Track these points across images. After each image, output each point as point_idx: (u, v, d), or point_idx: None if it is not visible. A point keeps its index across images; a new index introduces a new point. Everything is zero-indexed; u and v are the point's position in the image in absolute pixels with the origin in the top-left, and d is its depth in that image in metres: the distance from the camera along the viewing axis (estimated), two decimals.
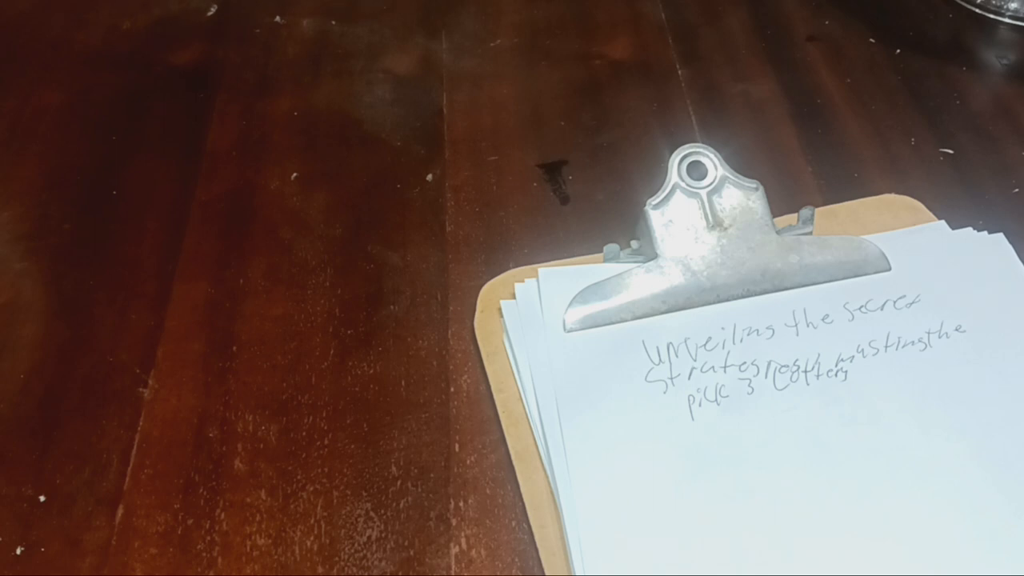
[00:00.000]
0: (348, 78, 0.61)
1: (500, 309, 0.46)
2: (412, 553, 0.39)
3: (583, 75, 0.61)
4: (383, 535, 0.40)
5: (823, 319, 0.45)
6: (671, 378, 0.43)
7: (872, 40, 0.62)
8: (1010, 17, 0.63)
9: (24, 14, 0.68)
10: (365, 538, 0.40)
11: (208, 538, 0.40)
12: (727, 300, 0.45)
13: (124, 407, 0.45)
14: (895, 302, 0.45)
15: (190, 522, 0.41)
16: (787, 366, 0.43)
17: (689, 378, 0.43)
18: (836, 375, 0.42)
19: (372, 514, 0.41)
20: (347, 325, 0.48)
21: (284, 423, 0.44)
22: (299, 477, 0.42)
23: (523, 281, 0.46)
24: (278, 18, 0.66)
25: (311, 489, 0.41)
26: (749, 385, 0.42)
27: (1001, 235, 0.48)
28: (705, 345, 0.44)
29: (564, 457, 0.40)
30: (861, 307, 0.45)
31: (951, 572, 0.36)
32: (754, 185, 0.46)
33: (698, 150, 0.46)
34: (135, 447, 0.43)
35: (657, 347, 0.44)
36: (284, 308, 0.48)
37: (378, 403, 0.44)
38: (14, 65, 0.64)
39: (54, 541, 0.40)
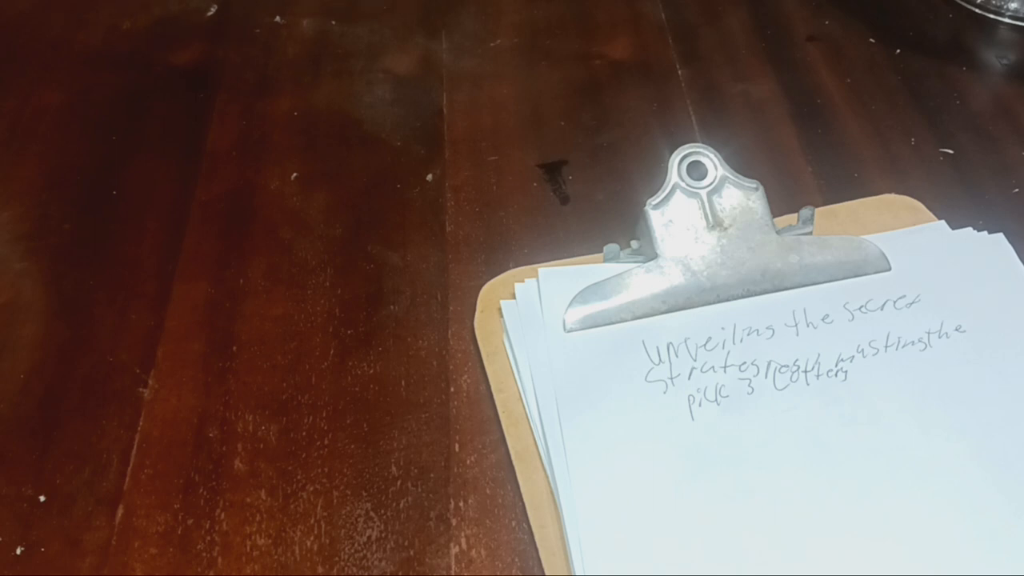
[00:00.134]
0: (348, 78, 0.61)
1: (500, 309, 0.46)
2: (412, 553, 0.39)
3: (583, 75, 0.61)
4: (383, 535, 0.40)
5: (823, 319, 0.45)
6: (671, 378, 0.43)
7: (872, 40, 0.62)
8: (1010, 17, 0.63)
9: (24, 14, 0.68)
10: (365, 538, 0.40)
11: (208, 538, 0.40)
12: (727, 300, 0.45)
13: (124, 407, 0.45)
14: (895, 302, 0.45)
15: (190, 522, 0.41)
16: (787, 366, 0.43)
17: (689, 378, 0.43)
18: (836, 375, 0.42)
19: (372, 514, 0.41)
20: (347, 325, 0.48)
21: (284, 423, 0.44)
22: (299, 477, 0.42)
23: (523, 281, 0.46)
24: (278, 18, 0.66)
25: (311, 489, 0.41)
26: (749, 385, 0.42)
27: (1001, 235, 0.48)
28: (705, 345, 0.44)
29: (564, 457, 0.40)
30: (861, 307, 0.45)
31: (951, 572, 0.36)
32: (754, 185, 0.46)
33: (698, 150, 0.46)
34: (135, 447, 0.43)
35: (657, 347, 0.44)
36: (284, 308, 0.48)
37: (378, 403, 0.44)
38: (14, 65, 0.64)
39: (54, 541, 0.40)
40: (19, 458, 0.43)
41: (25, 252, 0.52)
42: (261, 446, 0.43)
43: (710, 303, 0.45)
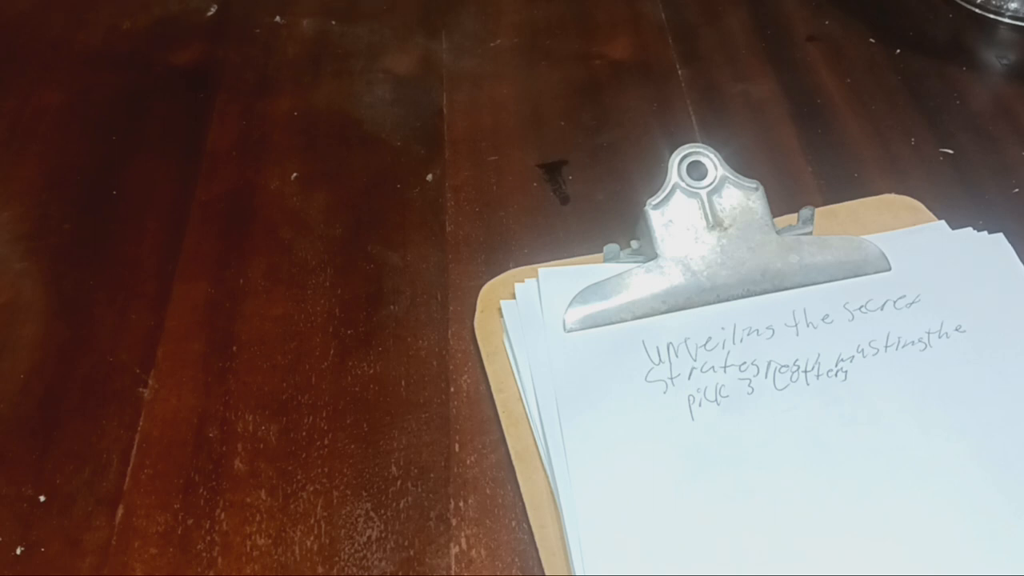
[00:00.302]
0: (348, 78, 0.61)
1: (500, 309, 0.46)
2: (412, 553, 0.39)
3: (583, 75, 0.61)
4: (383, 535, 0.40)
5: (823, 319, 0.45)
6: (671, 378, 0.43)
7: (872, 40, 0.62)
8: (1010, 17, 0.63)
9: (24, 14, 0.68)
10: (365, 538, 0.40)
11: (208, 538, 0.40)
12: (727, 300, 0.45)
13: (124, 407, 0.45)
14: (895, 302, 0.45)
15: (190, 522, 0.41)
16: (787, 366, 0.43)
17: (689, 378, 0.43)
18: (836, 375, 0.42)
19: (372, 514, 0.41)
20: (347, 325, 0.48)
21: (284, 423, 0.44)
22: (299, 477, 0.42)
23: (523, 281, 0.46)
24: (278, 18, 0.66)
25: (311, 489, 0.41)
26: (749, 385, 0.42)
27: (1001, 235, 0.48)
28: (705, 345, 0.44)
29: (564, 457, 0.40)
30: (861, 307, 0.45)
31: (951, 572, 0.36)
32: (754, 185, 0.46)
33: (698, 150, 0.46)
34: (135, 447, 0.43)
35: (657, 347, 0.44)
36: (284, 308, 0.48)
37: (378, 403, 0.44)
38: (14, 65, 0.64)
39: (54, 541, 0.40)
40: (19, 458, 0.43)
41: (25, 252, 0.52)
42: (261, 446, 0.43)
43: (710, 303, 0.45)
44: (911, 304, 0.45)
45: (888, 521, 0.38)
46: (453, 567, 0.39)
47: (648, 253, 0.46)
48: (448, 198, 0.53)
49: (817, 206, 0.48)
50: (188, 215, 0.53)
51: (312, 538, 0.40)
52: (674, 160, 0.46)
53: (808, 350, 0.43)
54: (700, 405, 0.42)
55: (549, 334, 0.44)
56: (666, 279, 0.45)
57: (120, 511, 0.41)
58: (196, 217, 0.53)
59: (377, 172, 0.55)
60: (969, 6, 0.64)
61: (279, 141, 0.58)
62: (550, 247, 0.50)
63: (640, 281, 0.45)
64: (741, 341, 0.44)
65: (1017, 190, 0.52)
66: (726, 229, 0.46)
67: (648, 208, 0.46)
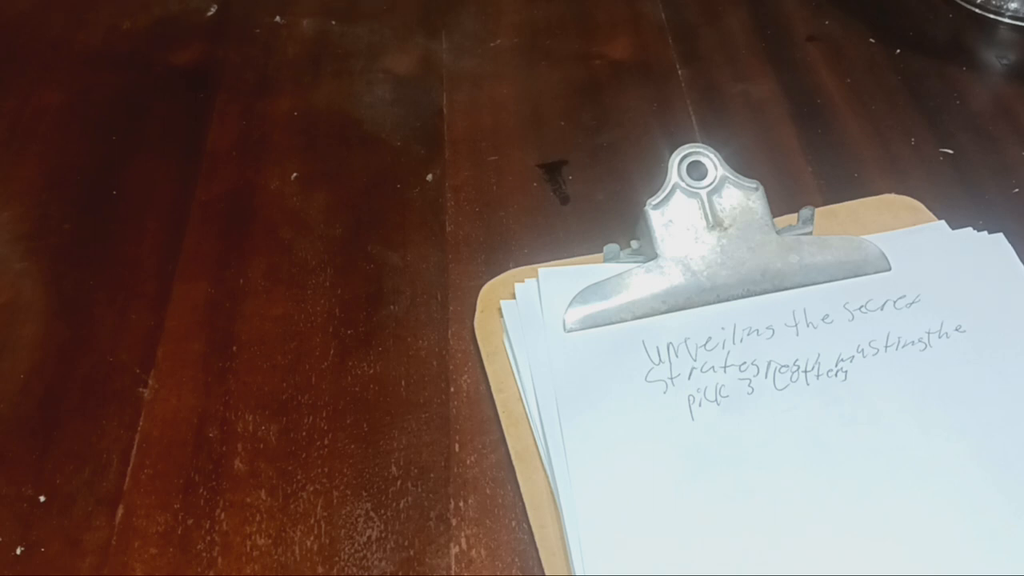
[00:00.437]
0: (348, 78, 0.61)
1: (500, 309, 0.46)
2: (412, 553, 0.39)
3: (583, 75, 0.61)
4: (383, 535, 0.40)
5: (823, 319, 0.45)
6: (671, 378, 0.43)
7: (872, 40, 0.62)
8: (1010, 17, 0.63)
9: (24, 14, 0.68)
10: (365, 538, 0.40)
11: (208, 538, 0.40)
12: (727, 300, 0.45)
13: (124, 407, 0.45)
14: (895, 302, 0.45)
15: (190, 522, 0.41)
16: (787, 366, 0.43)
17: (689, 378, 0.43)
18: (836, 375, 0.42)
19: (372, 514, 0.41)
20: (347, 325, 0.48)
21: (284, 423, 0.44)
22: (299, 477, 0.42)
23: (523, 281, 0.46)
24: (278, 18, 0.66)
25: (311, 489, 0.41)
26: (749, 385, 0.42)
27: (1001, 235, 0.48)
28: (705, 345, 0.44)
29: (564, 457, 0.40)
30: (861, 307, 0.45)
31: (951, 572, 0.36)
32: (754, 185, 0.46)
33: (698, 150, 0.46)
34: (135, 447, 0.43)
35: (657, 347, 0.44)
36: (284, 308, 0.48)
37: (378, 403, 0.44)
38: (14, 65, 0.64)
39: (54, 541, 0.40)
40: (19, 458, 0.43)
41: (25, 252, 0.52)
42: (261, 446, 0.43)
43: (710, 303, 0.45)
44: (911, 304, 0.45)
45: (888, 521, 0.38)
46: (453, 567, 0.39)
47: (648, 253, 0.46)
48: (448, 198, 0.53)
49: (817, 206, 0.48)
50: (188, 215, 0.53)
51: (312, 538, 0.40)
52: (674, 160, 0.46)
53: (808, 350, 0.43)
54: (700, 405, 0.42)
55: (549, 334, 0.44)
56: (666, 279, 0.45)
57: (120, 511, 0.41)
58: (196, 217, 0.53)
59: (377, 172, 0.55)
60: (969, 6, 0.64)
61: (279, 141, 0.58)
62: (550, 247, 0.50)
63: (640, 281, 0.45)
64: (741, 341, 0.44)
65: (1017, 190, 0.52)
66: (726, 229, 0.46)
67: (648, 208, 0.46)
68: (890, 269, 0.46)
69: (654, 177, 0.46)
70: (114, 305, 0.49)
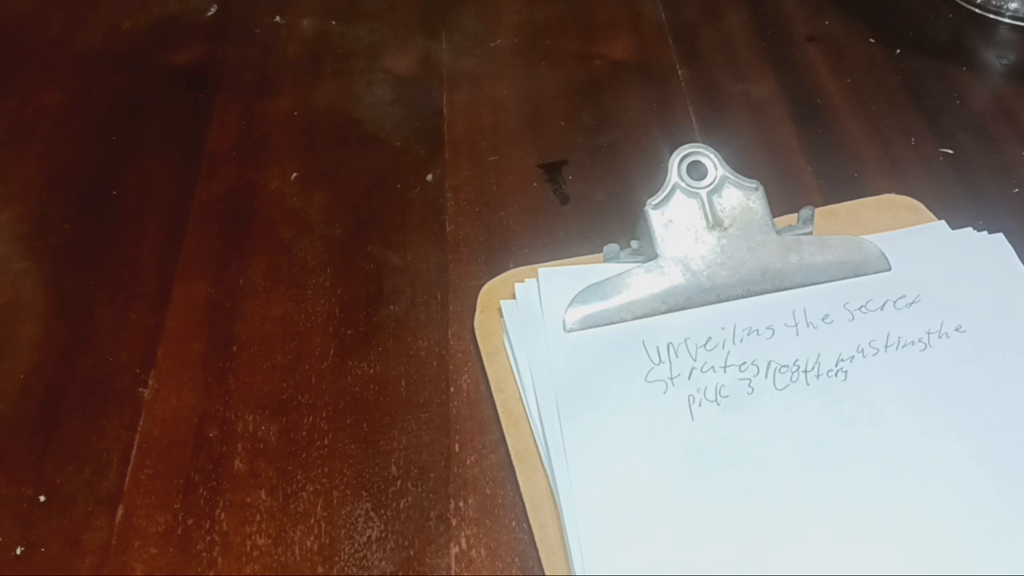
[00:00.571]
0: (348, 78, 0.61)
1: (500, 309, 0.46)
2: (412, 553, 0.39)
3: (583, 75, 0.61)
4: (383, 535, 0.40)
5: (823, 319, 0.45)
6: (671, 378, 0.43)
7: (872, 40, 0.62)
8: (1010, 17, 0.63)
9: (24, 14, 0.68)
10: (365, 538, 0.40)
11: (208, 538, 0.40)
12: (727, 300, 0.45)
13: (124, 407, 0.45)
14: (895, 302, 0.45)
15: (190, 522, 0.41)
16: (787, 366, 0.43)
17: (689, 378, 0.43)
18: (836, 375, 0.42)
19: (372, 514, 0.41)
20: (347, 325, 0.48)
21: (284, 423, 0.44)
22: (299, 477, 0.42)
23: (523, 281, 0.46)
24: (278, 18, 0.66)
25: (311, 489, 0.41)
26: (749, 385, 0.42)
27: (1001, 235, 0.48)
28: (705, 345, 0.44)
29: (564, 457, 0.40)
30: (861, 307, 0.45)
31: (951, 572, 0.36)
32: (754, 185, 0.46)
33: (698, 150, 0.46)
34: (135, 447, 0.43)
35: (657, 347, 0.44)
36: (284, 308, 0.48)
37: (378, 403, 0.44)
38: (14, 65, 0.64)
39: (54, 541, 0.40)
40: (19, 458, 0.43)
41: (25, 252, 0.52)
42: (261, 446, 0.43)
43: (710, 303, 0.45)
44: (911, 304, 0.45)
45: (888, 521, 0.38)
46: (453, 567, 0.39)
47: (648, 253, 0.46)
48: (448, 198, 0.53)
49: (817, 206, 0.48)
50: (188, 215, 0.53)
51: (312, 538, 0.40)
52: (674, 160, 0.46)
53: (808, 350, 0.43)
54: (700, 405, 0.42)
55: (549, 334, 0.44)
56: (666, 279, 0.45)
57: (120, 511, 0.41)
58: (196, 217, 0.53)
59: (377, 172, 0.55)
60: (969, 6, 0.64)
61: (279, 141, 0.58)
62: (550, 247, 0.50)
63: (640, 281, 0.45)
64: (741, 341, 0.44)
65: (1017, 190, 0.52)
66: (726, 229, 0.46)
67: (648, 208, 0.46)
68: (890, 269, 0.46)
69: (654, 177, 0.46)
70: (114, 305, 0.49)
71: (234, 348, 0.47)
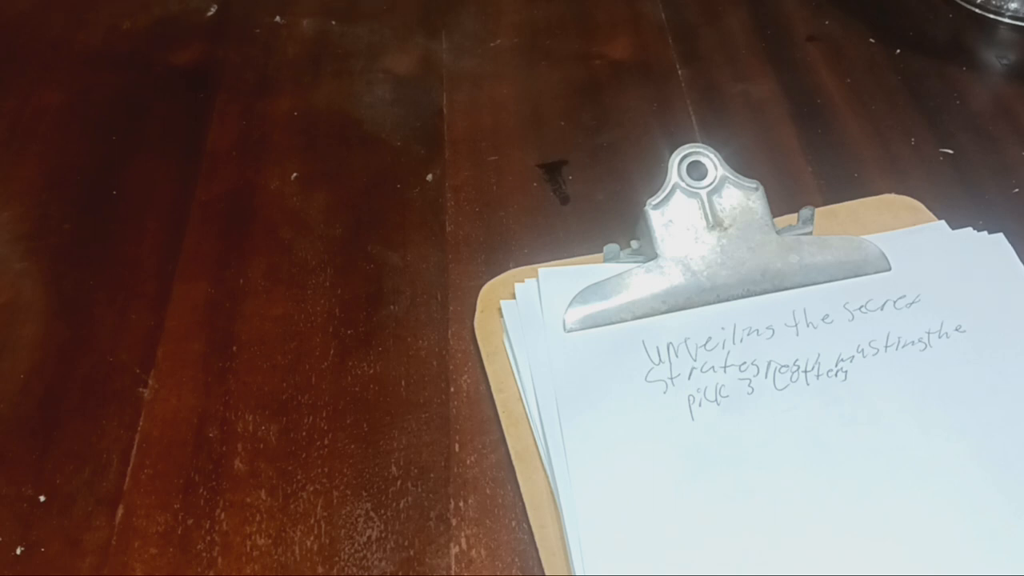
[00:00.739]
0: (348, 78, 0.61)
1: (500, 309, 0.46)
2: (412, 553, 0.39)
3: (583, 75, 0.61)
4: (383, 535, 0.40)
5: (823, 319, 0.45)
6: (671, 378, 0.43)
7: (872, 40, 0.62)
8: (1010, 17, 0.63)
9: (24, 14, 0.68)
10: (365, 538, 0.40)
11: (208, 538, 0.40)
12: (727, 300, 0.45)
13: (124, 407, 0.45)
14: (895, 302, 0.45)
15: (190, 522, 0.41)
16: (787, 366, 0.43)
17: (689, 378, 0.43)
18: (836, 375, 0.42)
19: (372, 514, 0.41)
20: (347, 325, 0.48)
21: (284, 423, 0.44)
22: (299, 477, 0.42)
23: (523, 281, 0.46)
24: (278, 18, 0.66)
25: (311, 489, 0.41)
26: (749, 385, 0.42)
27: (1001, 235, 0.48)
28: (705, 345, 0.44)
29: (564, 457, 0.40)
30: (861, 307, 0.45)
31: (951, 572, 0.36)
32: (754, 185, 0.46)
33: (698, 150, 0.46)
34: (135, 447, 0.43)
35: (657, 347, 0.44)
36: (284, 308, 0.48)
37: (378, 403, 0.44)
38: (14, 65, 0.64)
39: (54, 541, 0.40)
40: (19, 458, 0.43)
41: (25, 252, 0.52)
42: (261, 446, 0.43)
43: (710, 303, 0.45)
44: (911, 304, 0.45)
45: (888, 521, 0.38)
46: (453, 567, 0.39)
47: (648, 253, 0.46)
48: (448, 198, 0.53)
49: (817, 206, 0.48)
50: (188, 215, 0.53)
51: (312, 538, 0.40)
52: (674, 160, 0.46)
53: (808, 350, 0.43)
54: (700, 405, 0.42)
55: (549, 334, 0.44)
56: (666, 279, 0.45)
57: (120, 511, 0.41)
58: (196, 217, 0.53)
59: (377, 172, 0.55)
60: (969, 6, 0.64)
61: (279, 141, 0.58)
62: (550, 247, 0.50)
63: (640, 281, 0.45)
64: (741, 341, 0.44)
65: (1017, 190, 0.52)
66: (726, 229, 0.46)
67: (648, 208, 0.46)
68: (890, 269, 0.46)
69: (654, 177, 0.46)
70: (114, 305, 0.49)
71: (234, 348, 0.47)
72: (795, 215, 0.47)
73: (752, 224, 0.46)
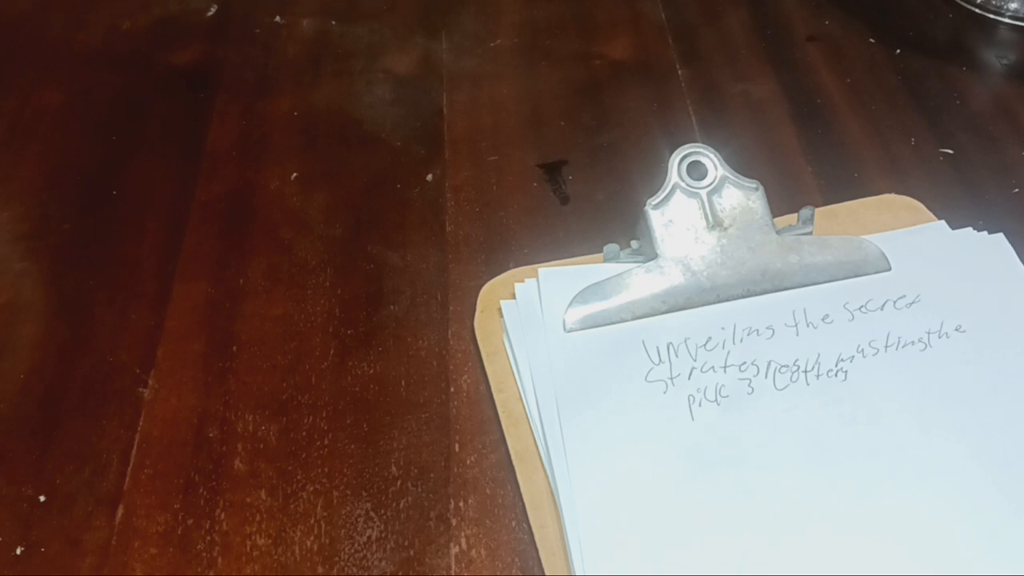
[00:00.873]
0: (348, 78, 0.61)
1: (500, 309, 0.46)
2: (412, 553, 0.39)
3: (583, 75, 0.61)
4: (383, 535, 0.40)
5: (823, 319, 0.45)
6: (671, 378, 0.43)
7: (872, 40, 0.62)
8: (1010, 17, 0.63)
9: (24, 14, 0.68)
10: (365, 538, 0.40)
11: (208, 538, 0.40)
12: (727, 300, 0.45)
13: (124, 407, 0.45)
14: (895, 302, 0.45)
15: (190, 522, 0.41)
16: (787, 366, 0.43)
17: (689, 378, 0.43)
18: (836, 375, 0.42)
19: (372, 514, 0.41)
20: (347, 325, 0.48)
21: (284, 423, 0.44)
22: (299, 477, 0.42)
23: (523, 281, 0.46)
24: (278, 18, 0.66)
25: (311, 489, 0.41)
26: (749, 385, 0.42)
27: (1001, 235, 0.48)
28: (705, 345, 0.44)
29: (564, 457, 0.40)
30: (861, 307, 0.45)
31: (951, 572, 0.36)
32: (754, 185, 0.46)
33: (698, 150, 0.46)
34: (135, 447, 0.43)
35: (657, 347, 0.44)
36: (284, 308, 0.48)
37: (378, 403, 0.44)
38: (14, 65, 0.64)
39: (54, 541, 0.40)
40: (19, 458, 0.43)
41: (25, 252, 0.52)
42: (261, 446, 0.43)
43: (710, 303, 0.45)
44: (911, 304, 0.45)
45: (888, 521, 0.38)
46: (453, 567, 0.39)
47: (648, 253, 0.46)
48: (448, 198, 0.53)
49: (817, 206, 0.48)
50: (188, 215, 0.53)
51: (312, 538, 0.40)
52: (674, 160, 0.46)
53: (808, 350, 0.43)
54: (700, 405, 0.42)
55: (549, 334, 0.44)
56: (666, 279, 0.45)
57: (120, 511, 0.41)
58: (196, 217, 0.53)
59: (377, 172, 0.55)
60: (969, 6, 0.64)
61: (279, 141, 0.58)
62: (550, 247, 0.50)
63: (640, 281, 0.45)
64: (741, 341, 0.44)
65: (1017, 190, 0.52)
66: (726, 229, 0.46)
67: (648, 208, 0.46)
68: (890, 269, 0.46)
69: (654, 177, 0.46)
70: (114, 305, 0.49)
71: (234, 348, 0.47)
72: (795, 215, 0.47)
73: (752, 224, 0.46)
